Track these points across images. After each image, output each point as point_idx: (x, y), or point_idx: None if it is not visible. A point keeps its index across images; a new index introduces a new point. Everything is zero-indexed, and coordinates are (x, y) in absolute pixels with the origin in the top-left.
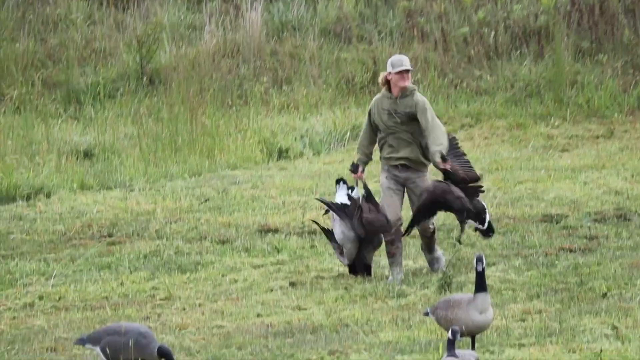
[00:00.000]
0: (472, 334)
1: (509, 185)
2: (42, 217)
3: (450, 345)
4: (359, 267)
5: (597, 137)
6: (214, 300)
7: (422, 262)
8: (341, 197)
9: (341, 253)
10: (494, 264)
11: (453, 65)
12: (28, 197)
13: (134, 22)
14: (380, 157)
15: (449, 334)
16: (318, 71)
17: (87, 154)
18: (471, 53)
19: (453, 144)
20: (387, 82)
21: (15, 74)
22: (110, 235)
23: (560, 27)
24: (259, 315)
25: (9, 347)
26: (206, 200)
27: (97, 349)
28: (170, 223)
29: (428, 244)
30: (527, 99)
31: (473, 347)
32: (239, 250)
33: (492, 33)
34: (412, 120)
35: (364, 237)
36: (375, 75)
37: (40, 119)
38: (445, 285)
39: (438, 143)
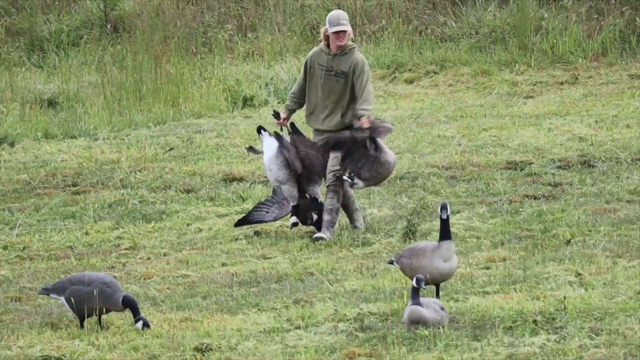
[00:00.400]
0: (437, 282)
1: (473, 133)
2: (6, 166)
3: (415, 293)
4: (304, 211)
5: (562, 83)
6: (179, 249)
7: (386, 209)
8: (267, 145)
9: (267, 213)
10: (458, 212)
11: (417, 12)
12: None
13: None
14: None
15: (414, 282)
16: (282, 18)
17: (51, 103)
18: None
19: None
20: (327, 37)
21: None
22: (74, 185)
23: None
24: (223, 264)
25: None
26: (171, 149)
27: (62, 299)
28: (135, 172)
29: (345, 206)
30: (492, 46)
31: (437, 296)
32: (203, 200)
33: None
34: (347, 82)
35: (301, 174)
36: None
37: (3, 67)
38: (409, 233)
39: (365, 107)
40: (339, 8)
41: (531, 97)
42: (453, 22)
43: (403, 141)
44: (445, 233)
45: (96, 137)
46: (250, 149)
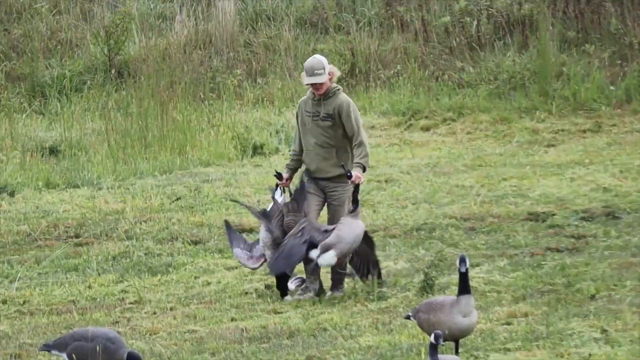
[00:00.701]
0: (456, 338)
1: (493, 182)
2: (6, 217)
3: (433, 350)
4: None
5: (584, 131)
6: (186, 303)
7: (403, 263)
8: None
9: (251, 258)
10: (477, 265)
11: (434, 57)
12: None
13: (102, 11)
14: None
15: (432, 338)
16: (294, 63)
17: (53, 151)
18: (453, 44)
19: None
20: None
21: None
22: (77, 236)
23: (545, 16)
24: (233, 319)
25: None
26: (178, 199)
27: (64, 356)
28: (140, 223)
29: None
30: (512, 92)
31: (457, 352)
32: (212, 252)
33: (475, 23)
34: (335, 123)
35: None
36: (353, 67)
37: (3, 113)
38: (427, 287)
39: (361, 158)
40: (353, 53)
41: (553, 145)
42: (471, 68)
43: (420, 191)
44: (464, 287)
45: (100, 187)
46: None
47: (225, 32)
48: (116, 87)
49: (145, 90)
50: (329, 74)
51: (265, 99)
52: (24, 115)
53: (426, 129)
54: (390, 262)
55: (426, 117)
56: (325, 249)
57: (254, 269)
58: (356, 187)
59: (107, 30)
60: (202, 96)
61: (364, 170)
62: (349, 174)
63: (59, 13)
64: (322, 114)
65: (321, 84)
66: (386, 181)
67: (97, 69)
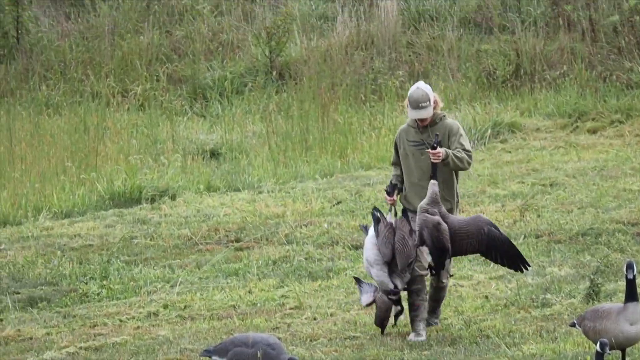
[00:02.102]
0: (622, 346)
1: None
2: (167, 221)
3: (599, 358)
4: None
5: None
6: (347, 309)
7: (567, 268)
8: (369, 237)
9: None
10: None
11: (602, 57)
12: (152, 200)
13: (263, 12)
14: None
15: (598, 347)
16: (457, 64)
17: (214, 154)
18: (621, 43)
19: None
20: None
21: (140, 69)
22: (237, 240)
23: None
24: (393, 325)
25: (132, 359)
26: (338, 203)
27: None
28: (301, 227)
29: (435, 299)
30: None
31: None
32: None
33: None
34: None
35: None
36: (518, 67)
37: (165, 116)
38: (592, 293)
39: (462, 148)
40: (518, 54)
41: None
42: None
43: (586, 195)
44: (631, 294)
45: (260, 190)
46: (365, 227)
47: (388, 33)
48: (277, 89)
49: (306, 92)
50: (434, 103)
51: None
52: (185, 118)
53: (593, 131)
54: (554, 267)
55: (593, 119)
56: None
57: (368, 304)
58: (433, 165)
59: (268, 31)
60: (364, 98)
61: (450, 161)
62: (435, 144)
63: (220, 14)
64: (428, 142)
65: (425, 119)
66: (551, 185)
67: (258, 71)
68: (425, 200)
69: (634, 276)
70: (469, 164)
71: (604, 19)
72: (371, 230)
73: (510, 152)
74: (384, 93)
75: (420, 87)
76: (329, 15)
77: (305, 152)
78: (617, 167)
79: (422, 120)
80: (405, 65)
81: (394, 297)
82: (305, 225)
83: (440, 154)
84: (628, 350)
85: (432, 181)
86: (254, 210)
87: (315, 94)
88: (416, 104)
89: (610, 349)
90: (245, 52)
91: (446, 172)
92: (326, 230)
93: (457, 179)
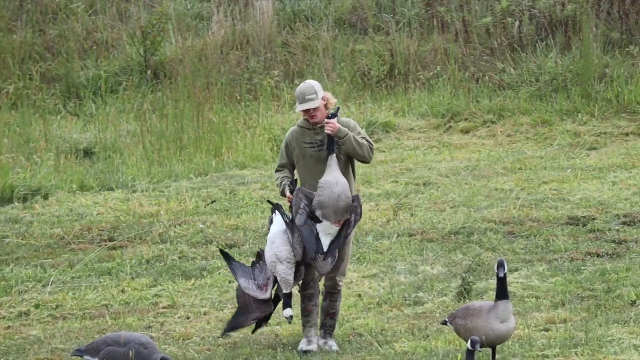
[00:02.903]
0: (493, 344)
1: (533, 186)
2: (39, 220)
3: (470, 356)
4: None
5: (627, 134)
6: (220, 308)
7: (440, 267)
8: (279, 222)
9: (258, 287)
10: (516, 270)
11: (475, 58)
12: (24, 199)
13: (138, 11)
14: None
15: (468, 344)
16: (332, 64)
17: (87, 153)
18: (494, 45)
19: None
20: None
21: (12, 67)
22: (111, 239)
23: (589, 17)
24: (267, 324)
25: (2, 359)
26: (213, 202)
27: None
28: (175, 226)
29: (328, 312)
30: (553, 94)
31: (494, 359)
32: (247, 255)
33: (516, 23)
34: (340, 149)
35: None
36: (392, 68)
37: (38, 115)
38: (464, 292)
39: (361, 139)
40: (392, 54)
41: (594, 148)
42: (512, 69)
43: (458, 194)
44: (502, 292)
45: (134, 189)
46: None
47: (263, 33)
48: (152, 88)
49: (181, 91)
50: (323, 99)
51: None
52: (58, 117)
53: (466, 131)
54: (427, 266)
55: (466, 119)
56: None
57: (266, 298)
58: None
59: (143, 30)
60: (239, 97)
61: (348, 141)
62: (332, 116)
63: (95, 13)
64: (324, 141)
65: (315, 110)
66: (424, 184)
67: (132, 70)
68: (323, 178)
69: (505, 274)
70: (370, 154)
71: (476, 21)
72: (279, 225)
73: (384, 151)
74: (259, 92)
75: (308, 81)
76: (204, 15)
77: (179, 151)
78: (489, 167)
79: (311, 115)
80: (281, 65)
81: (288, 300)
82: (180, 224)
83: (335, 126)
84: (498, 347)
85: (330, 155)
86: (127, 209)
87: (190, 93)
88: (302, 97)
89: (481, 347)
90: (120, 51)
91: (342, 166)
92: (200, 229)
93: (354, 177)
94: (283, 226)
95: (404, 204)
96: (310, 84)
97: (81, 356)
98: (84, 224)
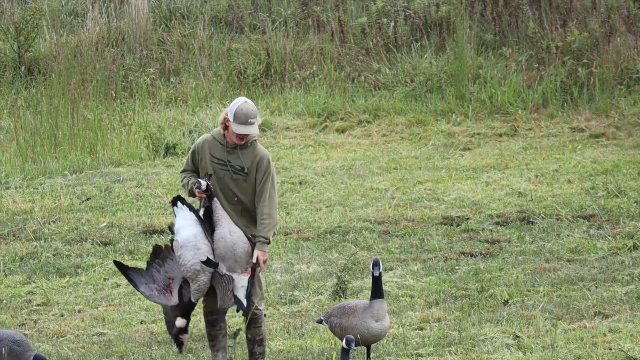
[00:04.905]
0: (368, 342)
1: (407, 186)
2: None
3: (345, 354)
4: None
5: (500, 135)
6: (95, 306)
7: (315, 265)
8: (188, 219)
9: (160, 292)
10: (391, 269)
11: (350, 58)
12: None
13: (12, 7)
14: None
15: (344, 343)
16: (208, 62)
17: None
18: (369, 45)
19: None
20: (226, 125)
21: None
22: None
23: (463, 18)
24: (142, 322)
25: None
26: (88, 199)
27: None
28: (49, 223)
29: (255, 339)
30: (428, 94)
31: (369, 357)
32: (122, 253)
33: (392, 24)
34: (247, 180)
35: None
36: (268, 67)
37: None
38: (339, 290)
39: (266, 232)
40: (268, 53)
41: (469, 149)
42: (387, 70)
43: (334, 193)
44: (377, 291)
45: (8, 186)
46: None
47: (138, 30)
48: (26, 84)
49: (55, 88)
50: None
51: (178, 98)
52: None
53: (341, 130)
54: (303, 265)
55: (342, 119)
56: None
57: (175, 303)
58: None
59: (17, 26)
60: (114, 95)
61: (269, 243)
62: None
63: None
64: (235, 165)
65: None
66: (300, 183)
67: (6, 66)
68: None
69: (380, 273)
70: (276, 224)
71: (352, 21)
72: (193, 224)
73: None
74: (135, 90)
75: (249, 101)
76: (79, 11)
77: (54, 148)
78: (365, 166)
79: (241, 138)
80: (157, 62)
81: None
82: (54, 222)
83: (263, 260)
84: (373, 346)
85: (212, 201)
86: (0, 206)
87: (65, 89)
88: (245, 119)
89: (356, 345)
90: None
91: (250, 199)
92: (75, 226)
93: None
94: (199, 226)
95: (280, 202)
96: (253, 106)
97: None
98: None
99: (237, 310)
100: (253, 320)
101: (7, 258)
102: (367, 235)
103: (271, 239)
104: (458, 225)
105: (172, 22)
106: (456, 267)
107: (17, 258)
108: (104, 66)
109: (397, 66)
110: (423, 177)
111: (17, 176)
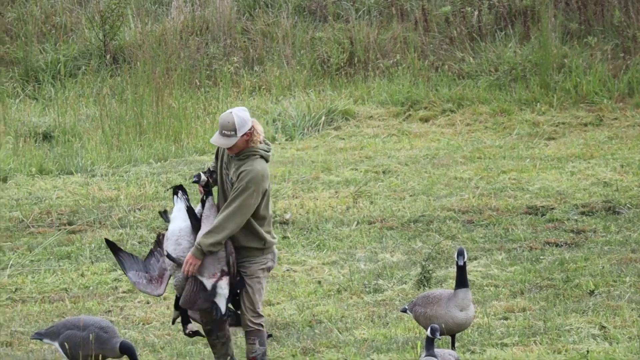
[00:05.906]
0: (452, 332)
1: (492, 175)
2: None
3: (429, 344)
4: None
5: (585, 124)
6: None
7: (399, 254)
8: (180, 211)
9: (150, 281)
10: (475, 259)
11: (434, 47)
12: None
13: None
14: None
15: (428, 332)
16: (291, 51)
17: (47, 137)
18: (453, 34)
19: None
20: None
21: None
22: (70, 223)
23: (548, 7)
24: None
25: None
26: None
27: (56, 344)
28: (134, 211)
29: (248, 357)
30: (512, 84)
31: (453, 347)
32: None
33: (476, 13)
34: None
35: None
36: (352, 56)
37: None
38: (424, 280)
39: (208, 238)
40: (352, 42)
41: (553, 138)
42: (471, 59)
43: (418, 182)
44: (461, 280)
45: (93, 174)
46: (164, 214)
47: (223, 19)
48: (111, 72)
49: (140, 76)
50: (246, 135)
51: (262, 87)
52: (17, 100)
53: (425, 119)
54: (387, 254)
55: (425, 108)
56: None
57: (159, 295)
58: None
59: (102, 14)
60: (198, 83)
61: (202, 253)
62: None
63: None
64: (230, 175)
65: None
66: (384, 172)
67: (92, 54)
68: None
69: (465, 263)
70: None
71: (436, 10)
72: (184, 218)
73: (343, 139)
74: (219, 79)
75: (234, 112)
76: (163, 0)
77: (139, 136)
78: (448, 156)
79: (230, 148)
80: (240, 51)
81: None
82: (139, 209)
83: (193, 266)
84: (458, 335)
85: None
86: (86, 193)
87: (149, 78)
88: (220, 129)
89: (440, 334)
90: (79, 35)
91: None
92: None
93: (258, 220)
94: (187, 221)
95: (364, 191)
96: (234, 119)
97: (41, 340)
98: (43, 208)
99: (216, 315)
100: (247, 334)
101: (93, 245)
102: (451, 224)
103: (208, 249)
104: (543, 215)
105: (256, 10)
106: (541, 257)
107: (103, 245)
108: (188, 55)
109: (481, 55)
110: (507, 166)
111: (103, 164)
